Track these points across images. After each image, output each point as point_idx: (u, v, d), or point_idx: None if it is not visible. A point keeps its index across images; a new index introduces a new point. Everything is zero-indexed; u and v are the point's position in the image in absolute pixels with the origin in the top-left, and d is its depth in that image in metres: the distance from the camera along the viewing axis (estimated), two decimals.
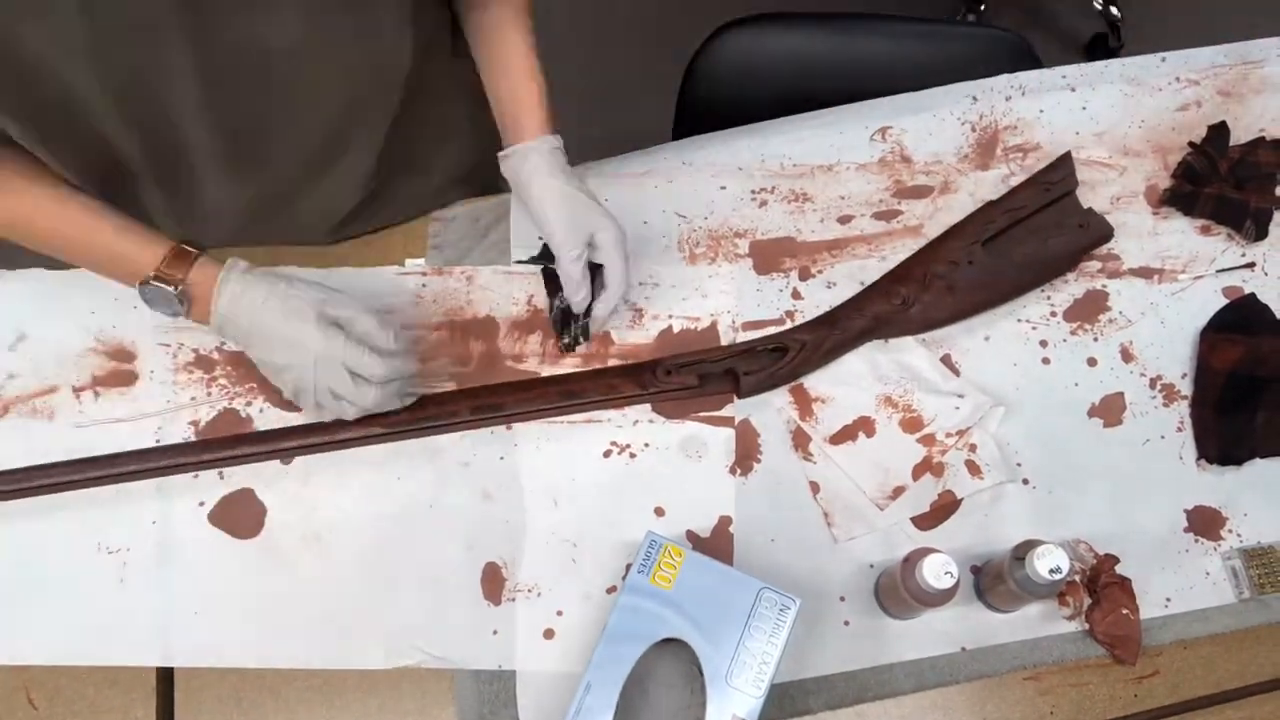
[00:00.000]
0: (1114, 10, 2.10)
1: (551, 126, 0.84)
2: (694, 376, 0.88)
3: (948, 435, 0.88)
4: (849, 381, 0.91)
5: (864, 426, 0.89)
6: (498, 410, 0.87)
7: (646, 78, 1.66)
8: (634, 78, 2.01)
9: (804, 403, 0.90)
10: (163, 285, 0.76)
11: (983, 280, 0.92)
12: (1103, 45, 2.13)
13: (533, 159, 0.83)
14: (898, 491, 0.87)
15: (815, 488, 0.87)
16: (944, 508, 0.86)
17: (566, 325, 0.90)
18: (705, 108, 1.23)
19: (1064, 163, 0.96)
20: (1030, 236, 0.94)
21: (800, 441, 0.89)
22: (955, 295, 0.92)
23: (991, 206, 0.95)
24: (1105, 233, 0.95)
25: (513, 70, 0.85)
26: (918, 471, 0.87)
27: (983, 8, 2.19)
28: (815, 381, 0.91)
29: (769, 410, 0.90)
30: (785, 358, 0.88)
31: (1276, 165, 0.99)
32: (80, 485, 0.85)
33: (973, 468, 0.87)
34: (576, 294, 0.84)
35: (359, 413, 0.80)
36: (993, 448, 0.88)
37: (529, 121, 0.84)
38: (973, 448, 0.88)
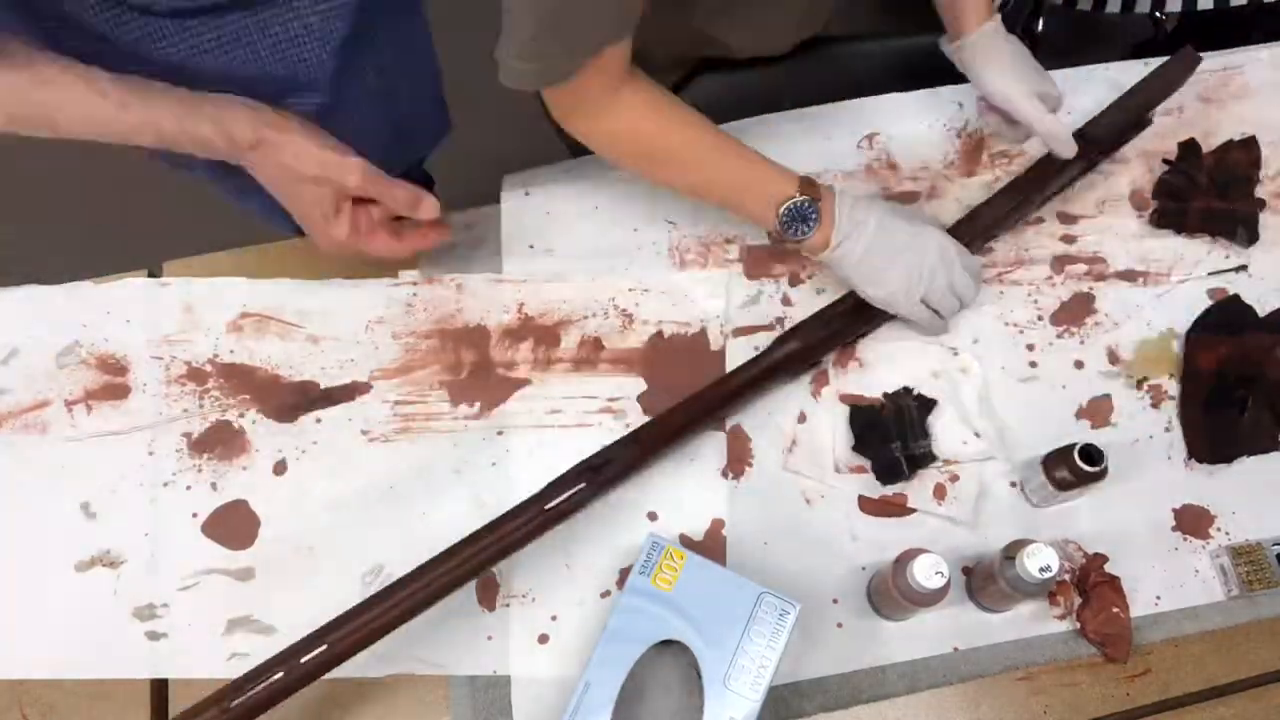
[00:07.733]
0: (1159, 14, 2.09)
1: (990, 11, 0.92)
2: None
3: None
4: (897, 360, 0.92)
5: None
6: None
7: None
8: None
9: (846, 357, 0.92)
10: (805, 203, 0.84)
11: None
12: (1151, 46, 2.11)
13: (983, 44, 0.92)
14: (858, 470, 0.88)
15: (802, 417, 0.90)
16: (895, 506, 0.87)
17: (895, 466, 0.87)
18: None
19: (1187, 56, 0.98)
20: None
21: (820, 381, 0.92)
22: None
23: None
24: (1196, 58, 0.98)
25: None
26: None
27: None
28: (868, 345, 0.93)
29: (760, 414, 0.91)
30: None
31: (1250, 163, 1.00)
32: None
33: (940, 491, 0.87)
34: (1057, 138, 0.91)
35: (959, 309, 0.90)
36: (971, 490, 0.87)
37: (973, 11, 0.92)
38: (954, 478, 0.88)
